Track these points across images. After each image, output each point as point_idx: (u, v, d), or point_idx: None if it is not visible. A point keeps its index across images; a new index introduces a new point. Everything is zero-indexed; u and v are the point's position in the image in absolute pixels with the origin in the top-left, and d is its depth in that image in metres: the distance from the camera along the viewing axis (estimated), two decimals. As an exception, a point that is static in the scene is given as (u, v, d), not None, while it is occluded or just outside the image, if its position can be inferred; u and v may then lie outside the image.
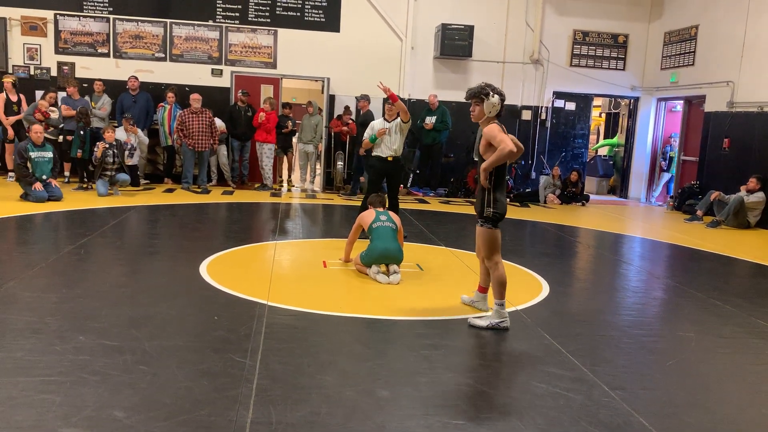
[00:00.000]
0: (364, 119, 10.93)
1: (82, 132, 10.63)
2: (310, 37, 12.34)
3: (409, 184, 12.42)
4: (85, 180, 10.59)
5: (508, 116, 12.99)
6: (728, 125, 11.31)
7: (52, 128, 10.46)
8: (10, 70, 11.66)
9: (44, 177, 8.89)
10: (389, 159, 7.19)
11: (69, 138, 10.67)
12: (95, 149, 9.80)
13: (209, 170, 11.73)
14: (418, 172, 12.56)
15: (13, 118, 10.75)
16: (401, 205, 8.11)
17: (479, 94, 4.45)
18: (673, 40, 12.83)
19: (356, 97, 11.91)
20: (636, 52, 13.38)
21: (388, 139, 7.17)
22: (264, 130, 11.48)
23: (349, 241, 6.26)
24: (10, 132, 10.78)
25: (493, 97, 4.42)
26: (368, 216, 6.01)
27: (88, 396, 3.06)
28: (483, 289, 4.88)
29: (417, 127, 11.79)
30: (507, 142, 4.26)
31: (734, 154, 11.17)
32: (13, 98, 10.73)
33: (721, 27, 11.54)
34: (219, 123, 11.46)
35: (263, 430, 2.84)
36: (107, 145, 9.80)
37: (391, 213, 6.14)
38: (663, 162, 13.45)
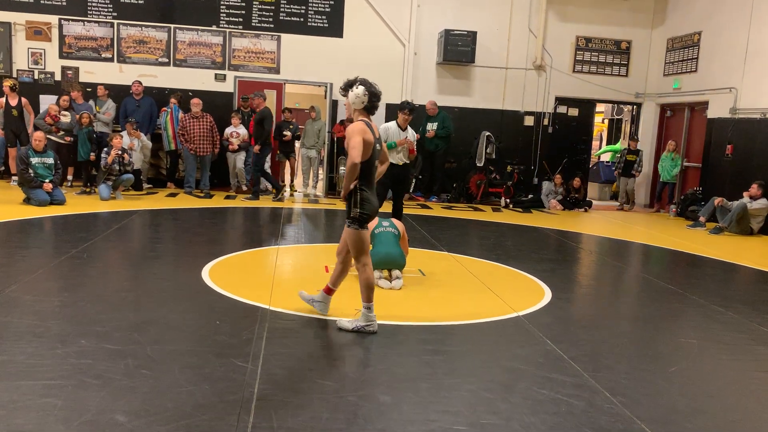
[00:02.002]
0: (260, 117, 10.49)
1: (95, 135, 10.67)
2: (313, 42, 12.38)
3: (411, 189, 12.42)
4: (89, 184, 10.63)
5: (512, 122, 13.03)
6: (731, 132, 11.30)
7: (62, 132, 10.51)
8: (15, 75, 11.70)
9: (46, 181, 8.90)
10: (399, 165, 7.19)
11: (67, 139, 10.66)
12: (104, 155, 9.81)
13: (233, 175, 11.73)
14: (420, 177, 12.56)
15: None
16: (405, 211, 8.10)
17: (345, 86, 4.36)
18: (675, 46, 12.84)
19: (251, 96, 11.09)
20: (639, 58, 13.39)
21: (399, 148, 7.16)
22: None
23: None
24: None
25: (357, 88, 4.27)
26: (371, 222, 6.01)
27: (89, 400, 3.06)
28: (329, 290, 4.56)
29: (420, 135, 11.80)
30: (355, 153, 4.11)
31: (737, 160, 11.17)
32: (12, 102, 10.75)
33: (724, 34, 11.55)
34: (242, 131, 11.47)
35: (264, 434, 2.84)
36: (119, 152, 9.86)
37: (393, 220, 6.15)
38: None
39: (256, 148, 10.54)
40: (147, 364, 3.53)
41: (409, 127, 7.25)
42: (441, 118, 12.08)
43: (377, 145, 4.31)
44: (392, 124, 7.21)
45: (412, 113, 7.10)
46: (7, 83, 10.77)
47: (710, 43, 11.93)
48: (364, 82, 4.30)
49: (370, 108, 4.32)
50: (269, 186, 11.72)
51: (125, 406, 3.01)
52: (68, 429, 2.78)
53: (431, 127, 11.97)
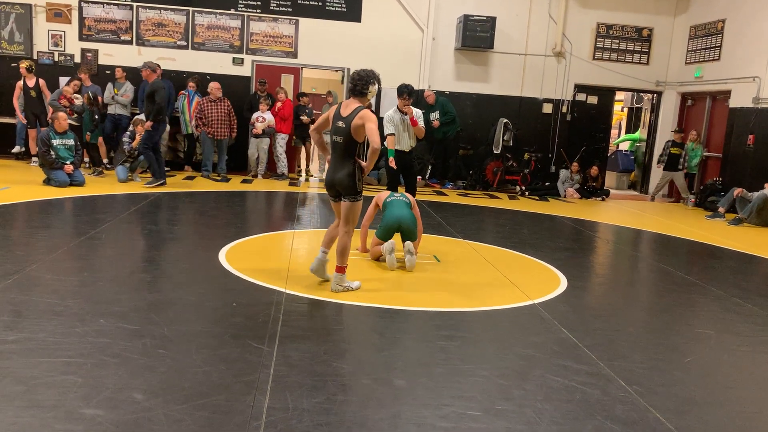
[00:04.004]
0: (150, 90, 9.40)
1: (96, 116, 10.75)
2: (331, 27, 12.33)
3: (427, 176, 12.39)
4: (105, 165, 10.77)
5: (530, 109, 12.94)
6: (753, 121, 11.13)
7: (76, 114, 10.61)
8: (35, 57, 11.79)
9: (67, 162, 8.99)
10: (406, 151, 7.13)
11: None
12: (128, 139, 9.90)
13: (257, 160, 11.72)
14: (433, 162, 12.49)
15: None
16: (420, 198, 8.07)
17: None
18: (698, 34, 12.64)
19: (140, 67, 9.92)
20: (660, 46, 13.19)
21: (405, 134, 7.06)
22: (280, 117, 11.53)
23: (363, 224, 6.30)
24: (20, 117, 10.91)
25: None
26: (383, 194, 6.21)
27: (108, 378, 3.11)
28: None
29: (428, 124, 11.71)
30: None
31: (759, 150, 11.00)
32: (30, 83, 10.85)
33: (749, 22, 11.34)
34: (269, 117, 11.49)
35: (280, 415, 2.86)
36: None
37: (405, 193, 6.27)
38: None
39: (148, 124, 9.42)
40: (164, 344, 3.57)
41: (413, 108, 7.04)
42: (441, 105, 11.95)
43: (334, 137, 4.82)
44: (392, 111, 6.95)
45: (411, 96, 6.94)
46: (23, 64, 10.86)
47: (734, 31, 11.72)
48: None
49: (351, 90, 4.87)
50: (284, 171, 11.76)
51: (143, 385, 3.06)
52: (87, 406, 2.83)
53: (434, 117, 11.81)
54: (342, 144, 4.76)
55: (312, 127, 5.11)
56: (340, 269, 4.83)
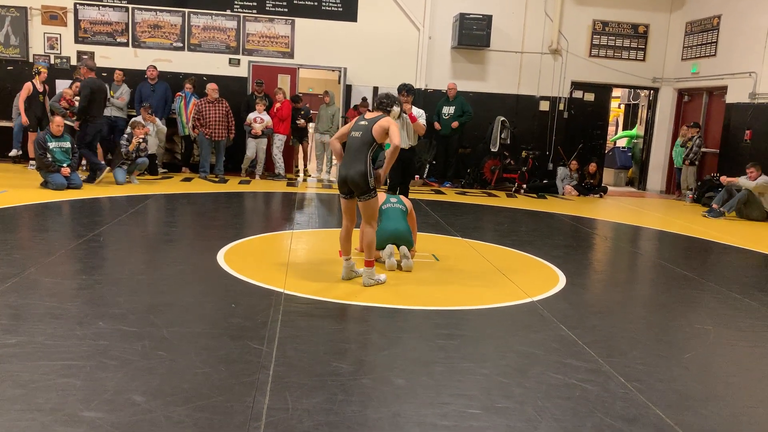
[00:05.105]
0: (80, 89, 9.44)
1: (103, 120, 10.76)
2: (327, 26, 12.33)
3: (425, 175, 12.39)
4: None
5: (527, 107, 12.96)
6: (750, 117, 11.15)
7: (75, 116, 10.60)
8: (31, 60, 11.78)
9: (64, 165, 8.98)
10: (405, 149, 7.14)
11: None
12: (125, 142, 9.89)
13: (255, 160, 11.71)
14: (434, 162, 12.50)
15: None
16: (418, 197, 8.07)
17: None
18: (694, 30, 12.65)
19: (77, 65, 9.87)
20: (656, 42, 13.21)
21: (404, 132, 7.06)
22: (278, 118, 11.53)
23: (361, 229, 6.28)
24: (24, 118, 10.89)
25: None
26: (380, 198, 6.09)
27: (107, 380, 3.10)
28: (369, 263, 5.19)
29: (434, 119, 11.74)
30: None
31: (756, 145, 11.02)
32: (39, 88, 10.91)
33: (744, 17, 11.36)
34: (266, 118, 11.48)
35: (280, 416, 2.86)
36: (141, 139, 9.95)
37: (401, 196, 6.21)
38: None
39: (76, 124, 9.51)
40: (163, 346, 3.57)
41: (415, 108, 7.07)
42: (459, 103, 11.98)
43: (352, 132, 5.15)
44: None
45: (410, 93, 6.97)
46: (44, 71, 10.90)
47: (730, 26, 11.73)
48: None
49: (377, 106, 5.23)
50: (281, 171, 11.75)
51: (142, 387, 3.05)
52: (87, 408, 2.82)
53: (448, 111, 11.89)
54: (359, 139, 5.05)
55: (334, 136, 5.38)
56: (370, 263, 5.11)
